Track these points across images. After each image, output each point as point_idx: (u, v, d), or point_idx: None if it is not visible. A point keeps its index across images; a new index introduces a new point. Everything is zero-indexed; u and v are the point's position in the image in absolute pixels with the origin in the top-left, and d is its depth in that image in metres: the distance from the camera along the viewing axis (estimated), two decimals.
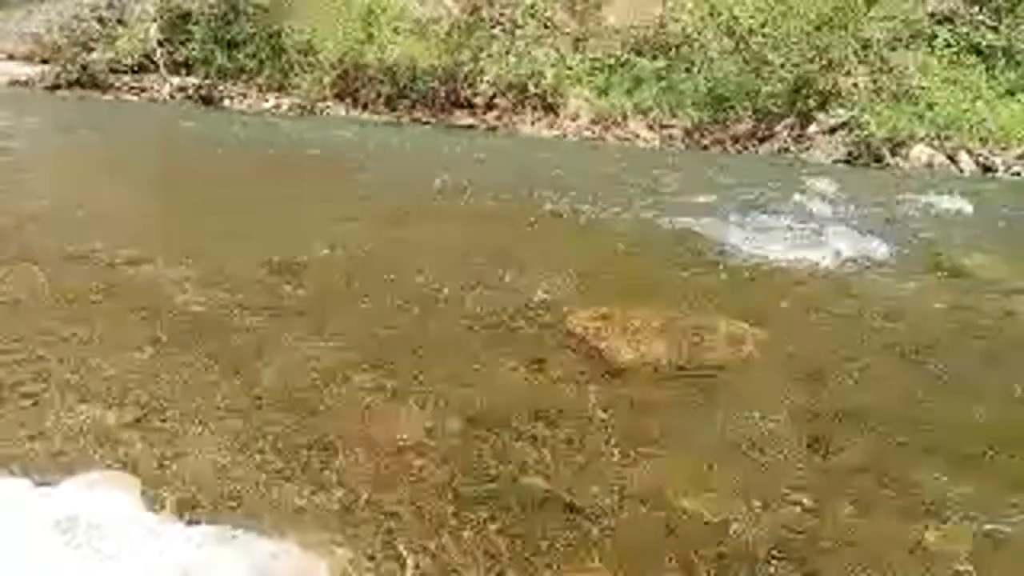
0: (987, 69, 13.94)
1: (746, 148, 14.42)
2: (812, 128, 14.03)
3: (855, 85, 13.88)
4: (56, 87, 20.61)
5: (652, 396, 3.11)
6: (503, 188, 8.58)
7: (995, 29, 14.08)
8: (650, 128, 15.66)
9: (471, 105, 17.50)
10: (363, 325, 3.78)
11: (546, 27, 17.46)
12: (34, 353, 3.16)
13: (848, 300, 4.84)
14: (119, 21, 21.18)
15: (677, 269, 5.44)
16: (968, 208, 8.16)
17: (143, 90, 20.33)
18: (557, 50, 16.94)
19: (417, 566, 1.97)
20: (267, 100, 19.46)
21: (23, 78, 20.97)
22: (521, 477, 2.42)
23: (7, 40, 22.07)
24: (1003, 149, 12.73)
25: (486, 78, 17.16)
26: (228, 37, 20.15)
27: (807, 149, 13.81)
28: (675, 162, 12.06)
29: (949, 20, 14.28)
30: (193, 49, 20.28)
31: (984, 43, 14.06)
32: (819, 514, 2.31)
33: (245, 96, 19.77)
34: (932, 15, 14.33)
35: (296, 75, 19.33)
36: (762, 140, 14.41)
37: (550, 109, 16.69)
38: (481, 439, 2.66)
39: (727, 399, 3.15)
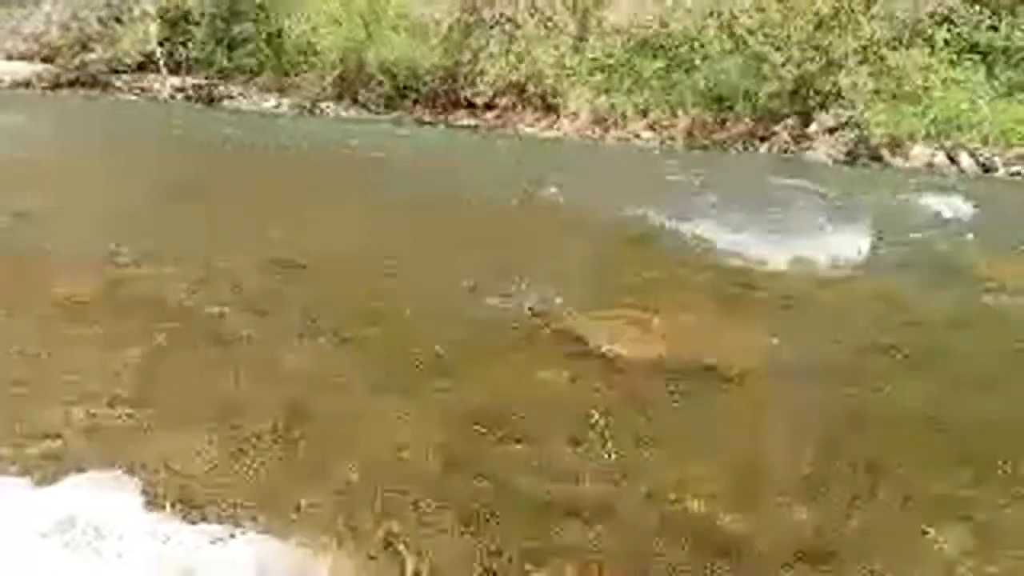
0: (987, 69, 13.95)
1: (746, 148, 14.43)
2: (812, 128, 14.05)
3: (855, 85, 13.88)
4: (57, 87, 20.62)
5: (652, 396, 3.11)
6: (500, 188, 8.57)
7: (995, 29, 14.09)
8: (650, 128, 15.67)
9: (471, 105, 17.52)
10: (363, 326, 3.78)
11: (546, 27, 17.45)
12: (32, 352, 3.16)
13: (848, 300, 4.85)
14: (118, 20, 21.17)
15: (677, 269, 5.44)
16: (968, 207, 8.15)
17: (143, 90, 20.34)
18: (557, 49, 16.93)
19: (417, 566, 1.97)
20: (267, 100, 19.47)
21: (23, 78, 20.97)
22: (521, 477, 2.43)
23: (7, 40, 22.07)
24: (1003, 149, 12.74)
25: (486, 78, 17.17)
26: (228, 37, 20.16)
27: (807, 149, 13.83)
28: (675, 162, 12.05)
29: (949, 20, 14.28)
30: (193, 49, 20.28)
31: (984, 43, 14.07)
32: (820, 514, 2.32)
33: (245, 96, 19.77)
34: (932, 15, 14.33)
35: (296, 75, 19.35)
36: (762, 140, 14.43)
37: (550, 109, 16.70)
38: (481, 439, 2.66)
39: (727, 399, 3.16)
